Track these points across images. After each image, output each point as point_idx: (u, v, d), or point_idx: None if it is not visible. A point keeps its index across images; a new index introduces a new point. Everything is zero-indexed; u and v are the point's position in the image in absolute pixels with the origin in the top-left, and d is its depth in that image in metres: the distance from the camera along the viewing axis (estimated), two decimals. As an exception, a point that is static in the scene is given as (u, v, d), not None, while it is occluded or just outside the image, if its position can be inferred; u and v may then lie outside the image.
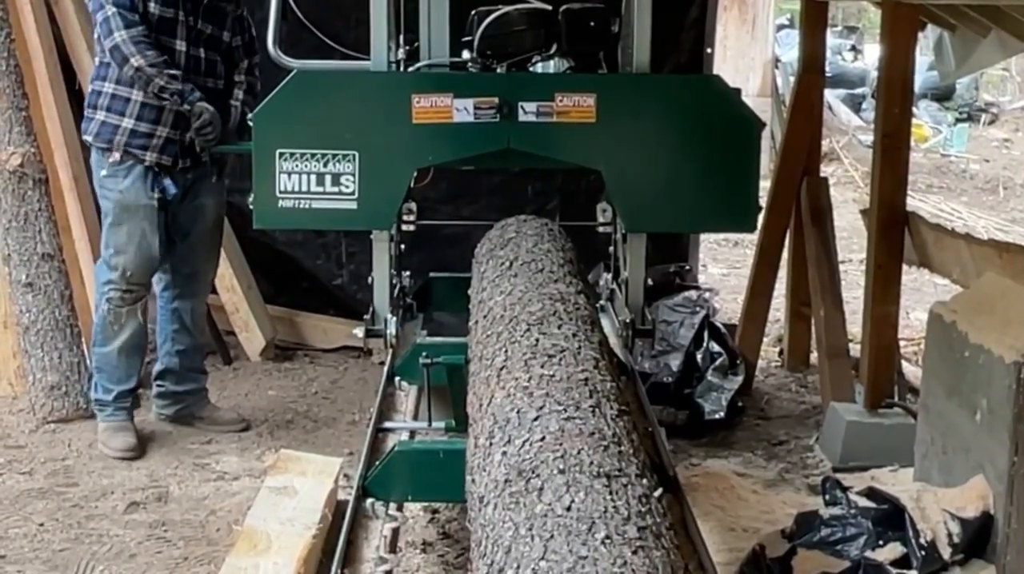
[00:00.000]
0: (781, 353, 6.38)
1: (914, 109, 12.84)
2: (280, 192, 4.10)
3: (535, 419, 2.46)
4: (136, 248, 4.95)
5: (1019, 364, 3.54)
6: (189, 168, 5.05)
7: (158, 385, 5.32)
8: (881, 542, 3.79)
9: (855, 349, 5.55)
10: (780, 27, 14.82)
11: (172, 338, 5.26)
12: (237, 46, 5.16)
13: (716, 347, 5.52)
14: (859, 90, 15.45)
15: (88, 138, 4.99)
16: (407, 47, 4.46)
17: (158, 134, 4.91)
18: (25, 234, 5.29)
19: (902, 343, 5.81)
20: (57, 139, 5.68)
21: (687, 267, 6.17)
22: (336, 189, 4.10)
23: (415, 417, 3.87)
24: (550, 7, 4.31)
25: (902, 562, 3.76)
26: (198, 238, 5.18)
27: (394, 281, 4.39)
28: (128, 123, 4.88)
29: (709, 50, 6.41)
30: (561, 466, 2.22)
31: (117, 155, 4.90)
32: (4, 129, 5.25)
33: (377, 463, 3.33)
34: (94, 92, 4.96)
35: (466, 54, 4.29)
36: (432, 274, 4.97)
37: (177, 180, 5.01)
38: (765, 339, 6.28)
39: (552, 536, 2.00)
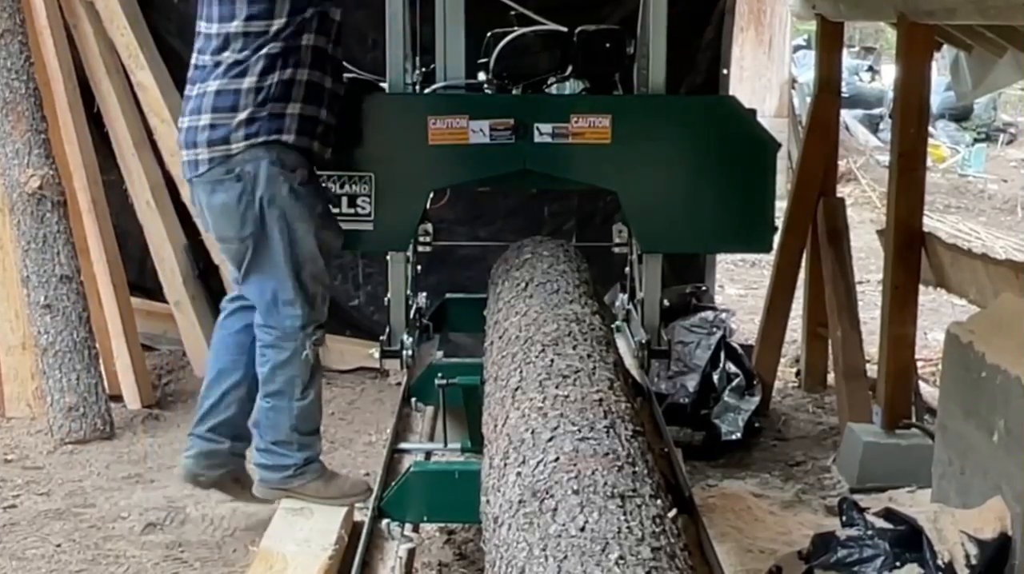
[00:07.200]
0: (798, 374, 6.37)
1: (932, 129, 12.86)
2: (297, 214, 4.11)
3: (549, 440, 2.47)
4: (328, 271, 4.10)
5: (1036, 384, 3.53)
6: None
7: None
8: (898, 564, 3.76)
9: (872, 370, 5.54)
10: (797, 48, 14.82)
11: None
12: None
13: (733, 368, 5.51)
14: (876, 110, 15.44)
15: (288, 136, 3.82)
16: (423, 69, 4.49)
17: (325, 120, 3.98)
18: (44, 256, 5.30)
19: (920, 364, 5.79)
20: (76, 161, 5.69)
21: (704, 288, 6.17)
22: (352, 210, 4.11)
23: (431, 438, 3.89)
24: (565, 29, 4.33)
25: (919, 584, 3.74)
26: None
27: (410, 302, 4.41)
28: (324, 115, 3.95)
29: (725, 71, 6.41)
30: (575, 486, 2.23)
31: (326, 153, 3.97)
32: (23, 151, 5.26)
33: (393, 484, 3.34)
34: (269, 85, 3.83)
35: (482, 76, 4.31)
36: (448, 295, 4.98)
37: None
38: (782, 360, 6.26)
39: (566, 557, 2.00)
